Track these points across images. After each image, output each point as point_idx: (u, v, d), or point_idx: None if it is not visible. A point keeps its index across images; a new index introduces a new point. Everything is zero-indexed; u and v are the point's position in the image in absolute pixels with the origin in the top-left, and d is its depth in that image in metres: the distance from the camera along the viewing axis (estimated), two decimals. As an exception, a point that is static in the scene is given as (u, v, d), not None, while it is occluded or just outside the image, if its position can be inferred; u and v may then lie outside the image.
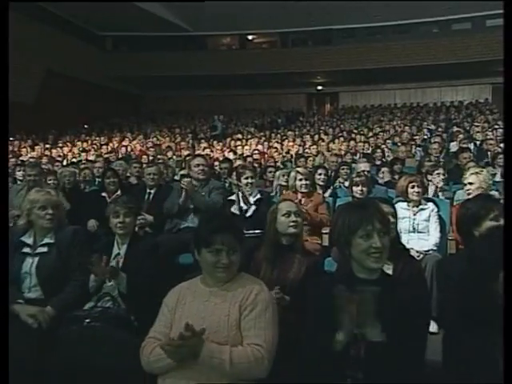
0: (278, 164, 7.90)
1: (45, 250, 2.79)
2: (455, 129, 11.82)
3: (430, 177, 4.90)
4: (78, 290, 2.75)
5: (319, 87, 21.70)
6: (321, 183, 4.70)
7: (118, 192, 4.53)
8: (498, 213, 2.13)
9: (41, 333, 2.43)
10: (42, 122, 15.72)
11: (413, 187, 3.78)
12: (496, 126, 11.18)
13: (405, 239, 3.56)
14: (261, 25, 19.64)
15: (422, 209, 3.79)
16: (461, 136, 9.62)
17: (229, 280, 1.78)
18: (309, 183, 4.10)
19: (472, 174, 3.75)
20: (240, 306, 1.69)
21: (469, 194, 3.72)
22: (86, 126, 17.28)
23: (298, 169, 4.31)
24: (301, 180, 4.09)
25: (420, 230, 3.75)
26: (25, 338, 2.32)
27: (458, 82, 20.14)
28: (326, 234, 3.93)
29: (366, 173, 4.71)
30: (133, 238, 2.97)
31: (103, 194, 4.57)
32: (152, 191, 4.56)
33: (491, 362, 1.51)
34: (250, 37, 21.48)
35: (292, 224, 2.52)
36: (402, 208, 3.79)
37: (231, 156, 8.60)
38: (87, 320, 2.45)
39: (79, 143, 12.18)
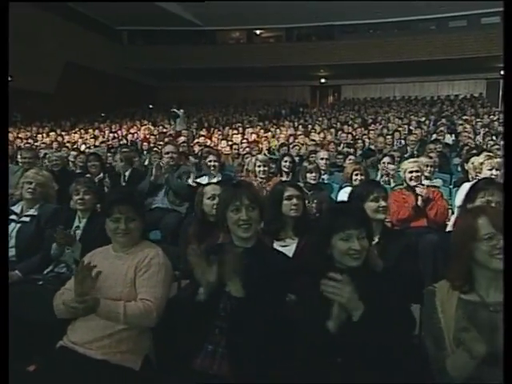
0: (264, 152, 8.06)
1: (27, 219, 3.15)
2: (442, 121, 11.82)
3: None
4: (43, 257, 3.01)
5: (322, 80, 21.63)
6: (286, 170, 4.88)
7: (101, 175, 4.77)
8: (377, 195, 2.31)
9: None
10: (62, 110, 16.09)
11: (356, 174, 3.95)
12: (479, 119, 11.17)
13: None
14: (267, 20, 19.64)
15: (364, 194, 3.95)
16: (441, 128, 9.65)
17: (131, 245, 1.99)
18: (267, 169, 4.28)
19: (410, 162, 3.88)
20: (136, 268, 1.92)
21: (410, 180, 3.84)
22: (102, 115, 17.61)
23: (258, 156, 4.49)
24: (259, 166, 4.27)
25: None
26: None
27: (454, 77, 19.92)
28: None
29: (325, 161, 4.87)
30: (92, 214, 3.19)
31: (88, 176, 4.81)
32: (127, 174, 4.80)
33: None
34: (257, 32, 21.48)
35: (216, 207, 2.68)
36: (346, 192, 3.96)
37: (223, 144, 8.78)
38: (41, 282, 2.71)
39: (91, 130, 12.45)
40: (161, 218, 4.15)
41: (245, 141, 8.86)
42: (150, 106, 21.07)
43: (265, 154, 7.61)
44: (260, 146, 8.83)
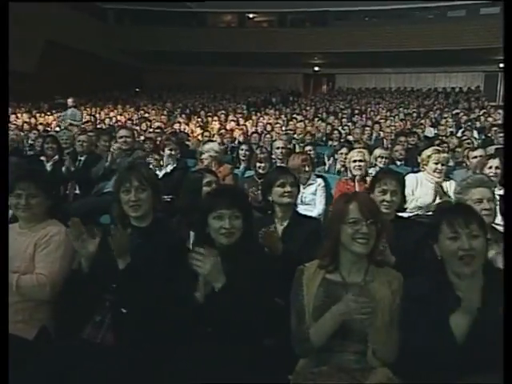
0: (240, 140, 8.22)
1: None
2: (429, 114, 12.01)
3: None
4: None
5: (316, 68, 21.72)
6: (242, 158, 5.04)
7: (56, 157, 4.91)
8: (284, 181, 2.49)
9: None
10: (41, 90, 16.12)
11: (304, 166, 4.10)
12: (463, 113, 11.34)
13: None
14: (260, 4, 19.64)
15: (310, 184, 4.12)
16: (423, 121, 9.84)
17: (34, 222, 2.16)
18: (217, 156, 4.43)
19: (354, 152, 4.06)
20: (35, 244, 2.09)
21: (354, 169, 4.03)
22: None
23: (208, 143, 4.65)
24: (208, 152, 4.43)
25: (307, 202, 4.08)
26: None
27: (452, 69, 20.05)
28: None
29: (281, 150, 5.04)
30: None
31: (42, 158, 4.96)
32: (82, 158, 4.94)
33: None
34: (250, 15, 21.49)
35: None
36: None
37: (198, 131, 8.92)
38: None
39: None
40: (111, 202, 4.32)
41: (222, 129, 9.02)
42: (137, 90, 21.19)
43: (239, 142, 7.83)
44: (234, 134, 9.01)
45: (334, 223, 1.77)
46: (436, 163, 3.87)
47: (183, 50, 19.98)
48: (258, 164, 4.37)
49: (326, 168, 5.84)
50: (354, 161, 3.99)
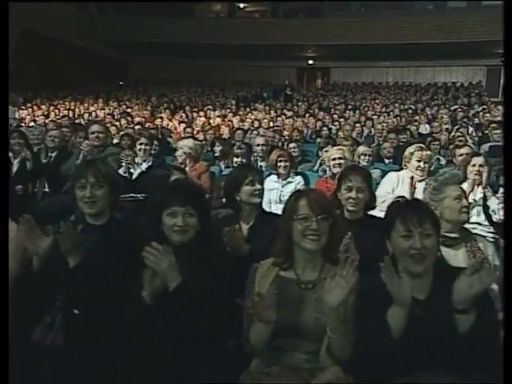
0: (224, 136, 8.29)
1: None
2: (426, 110, 12.13)
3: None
4: None
5: (310, 61, 21.78)
6: (219, 155, 5.10)
7: (23, 154, 4.94)
8: (252, 178, 2.54)
9: None
10: (16, 83, 16.06)
11: (280, 161, 4.17)
12: (460, 109, 11.46)
13: (273, 209, 3.97)
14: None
15: (290, 182, 4.19)
16: (418, 117, 9.95)
17: None
18: (192, 153, 4.49)
19: (333, 149, 4.13)
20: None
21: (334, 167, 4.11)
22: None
23: (185, 140, 4.70)
24: (182, 148, 4.50)
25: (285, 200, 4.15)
26: None
27: (452, 63, 20.18)
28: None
29: (261, 147, 5.10)
30: None
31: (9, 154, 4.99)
32: (53, 154, 4.98)
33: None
34: (240, 5, 21.54)
35: None
36: (271, 180, 4.21)
37: (182, 127, 8.98)
38: None
39: (44, 107, 12.56)
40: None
41: (207, 124, 9.09)
42: (120, 83, 21.18)
43: (224, 139, 7.90)
44: (221, 130, 9.08)
45: (286, 220, 1.84)
46: (418, 161, 3.95)
47: (170, 41, 19.95)
48: (235, 160, 4.44)
49: (312, 166, 5.92)
50: (334, 159, 4.07)
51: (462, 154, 4.41)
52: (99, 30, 20.07)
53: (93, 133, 4.69)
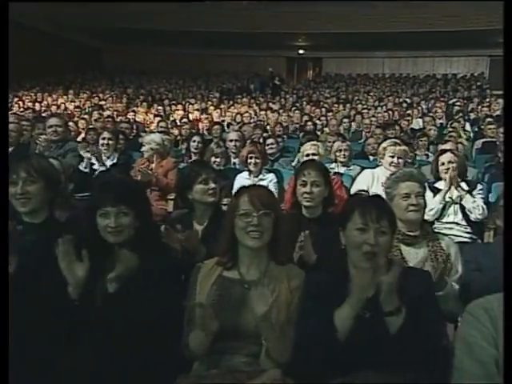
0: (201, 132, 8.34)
1: None
2: (420, 104, 12.28)
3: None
4: None
5: (301, 51, 21.87)
6: (194, 150, 5.16)
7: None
8: (206, 176, 2.60)
9: None
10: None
11: (251, 158, 4.24)
12: (458, 103, 11.61)
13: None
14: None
15: (262, 179, 4.26)
16: (411, 111, 10.09)
17: None
18: (160, 149, 4.53)
19: (308, 145, 4.22)
20: None
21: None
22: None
23: (152, 135, 4.75)
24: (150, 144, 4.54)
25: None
26: None
27: (453, 53, 20.35)
28: (171, 199, 4.41)
29: (234, 142, 5.17)
30: None
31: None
32: (10, 149, 5.00)
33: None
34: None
35: None
36: (242, 177, 4.29)
37: (155, 121, 9.02)
38: None
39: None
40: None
41: (184, 119, 9.13)
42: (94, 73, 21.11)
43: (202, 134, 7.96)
44: (200, 124, 9.13)
45: (228, 217, 1.91)
46: (392, 156, 4.05)
47: (149, 28, 19.88)
48: (213, 159, 4.50)
49: (291, 162, 6.00)
50: (307, 155, 4.14)
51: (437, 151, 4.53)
52: (71, 15, 19.94)
53: (50, 126, 4.72)
